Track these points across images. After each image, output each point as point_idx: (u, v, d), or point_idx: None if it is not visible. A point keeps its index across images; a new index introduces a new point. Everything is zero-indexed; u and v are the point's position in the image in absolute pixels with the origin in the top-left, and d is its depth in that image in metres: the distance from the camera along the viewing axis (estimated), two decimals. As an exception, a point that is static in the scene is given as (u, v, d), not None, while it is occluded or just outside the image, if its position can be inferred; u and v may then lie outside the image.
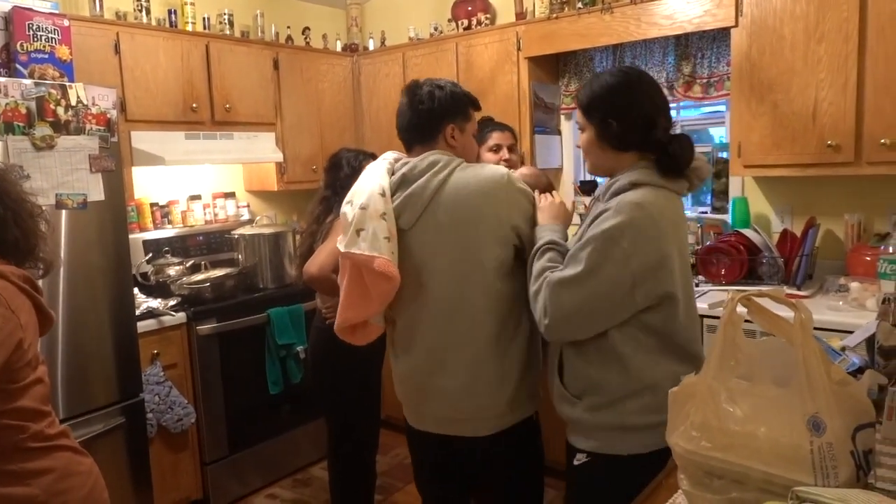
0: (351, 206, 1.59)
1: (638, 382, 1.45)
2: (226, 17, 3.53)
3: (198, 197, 3.59)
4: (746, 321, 1.05)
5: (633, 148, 1.49)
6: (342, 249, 1.56)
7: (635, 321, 1.44)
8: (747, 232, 2.78)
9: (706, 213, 3.18)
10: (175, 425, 2.80)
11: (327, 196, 2.47)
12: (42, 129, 2.27)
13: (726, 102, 3.01)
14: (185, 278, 3.13)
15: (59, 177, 2.33)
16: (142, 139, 3.04)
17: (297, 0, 4.09)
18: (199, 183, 3.65)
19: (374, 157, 2.07)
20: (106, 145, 2.45)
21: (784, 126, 2.58)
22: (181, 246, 3.37)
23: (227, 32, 3.51)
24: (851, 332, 1.52)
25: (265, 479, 3.23)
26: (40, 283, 1.43)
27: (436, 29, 3.82)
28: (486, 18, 3.60)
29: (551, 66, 3.53)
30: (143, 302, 2.87)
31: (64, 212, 2.35)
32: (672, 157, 1.45)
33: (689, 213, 3.23)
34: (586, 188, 3.28)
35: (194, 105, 3.22)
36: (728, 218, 3.04)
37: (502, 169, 1.65)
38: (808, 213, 2.80)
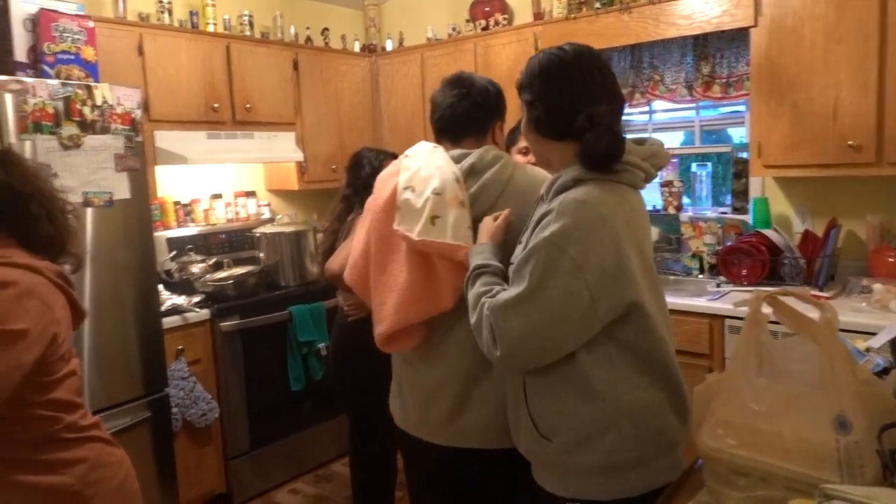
0: (414, 192, 1.50)
1: (616, 411, 1.26)
2: (246, 18, 3.57)
3: (219, 196, 3.64)
4: (771, 322, 1.05)
5: (568, 137, 1.30)
6: (414, 237, 1.45)
7: (604, 338, 1.26)
8: (768, 232, 2.77)
9: (726, 213, 3.17)
10: (199, 420, 2.84)
11: (348, 195, 2.49)
12: (69, 129, 2.31)
13: (746, 102, 3.00)
14: (208, 276, 3.17)
15: (85, 175, 2.37)
16: (165, 139, 3.09)
17: (315, 1, 4.13)
18: (221, 182, 3.69)
19: (395, 156, 2.08)
20: (131, 144, 2.49)
21: (804, 126, 2.57)
22: (204, 244, 3.42)
23: (248, 33, 3.55)
24: (875, 334, 1.51)
25: (287, 475, 3.26)
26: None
27: (454, 30, 3.84)
28: (504, 19, 3.62)
29: (570, 66, 3.52)
30: (168, 298, 2.91)
31: (90, 209, 2.39)
32: (587, 149, 1.26)
33: (708, 213, 3.22)
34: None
35: (216, 105, 3.26)
36: (748, 218, 3.03)
37: None
38: (830, 214, 2.79)
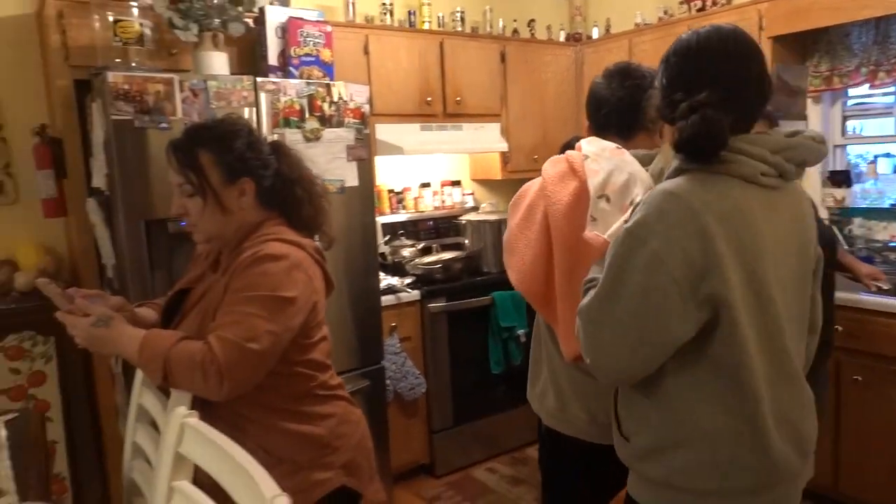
0: (609, 202, 1.40)
1: (690, 427, 1.16)
2: (458, 14, 3.73)
3: (428, 185, 3.86)
4: None
5: (673, 124, 1.20)
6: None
7: (694, 357, 1.15)
8: None
9: None
10: (408, 393, 3.06)
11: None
12: (311, 123, 2.59)
13: None
14: (417, 259, 3.39)
15: (322, 165, 2.62)
16: (383, 131, 3.34)
17: (522, -7, 4.20)
18: (430, 171, 3.91)
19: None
20: (360, 137, 2.73)
21: None
22: (413, 230, 3.66)
23: (459, 29, 3.72)
24: None
25: (485, 453, 3.40)
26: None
27: (665, 13, 3.68)
28: (724, -3, 3.40)
29: (797, 46, 3.23)
30: (383, 279, 3.16)
31: (325, 196, 2.67)
32: (677, 136, 1.15)
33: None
34: (837, 179, 2.97)
35: (429, 99, 3.46)
36: None
37: None
38: None
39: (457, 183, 3.97)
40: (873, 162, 3.28)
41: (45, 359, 2.65)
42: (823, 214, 3.11)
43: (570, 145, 1.91)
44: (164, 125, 2.21)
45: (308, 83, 2.59)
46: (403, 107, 3.40)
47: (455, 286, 3.27)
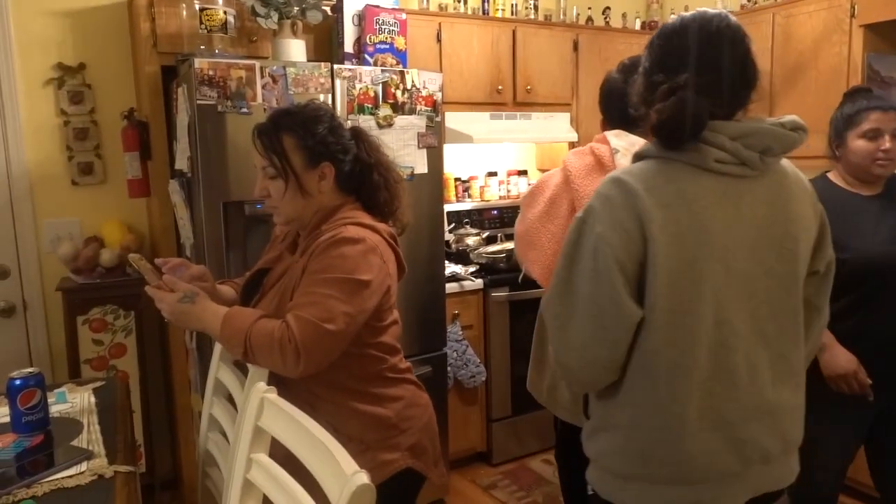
0: None
1: (616, 415, 1.24)
2: (531, 2, 3.69)
3: (494, 174, 3.85)
4: None
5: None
6: None
7: (639, 352, 1.20)
8: None
9: None
10: (468, 381, 3.07)
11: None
12: (384, 110, 2.62)
13: None
14: (481, 248, 3.39)
15: (394, 151, 2.65)
16: (453, 119, 3.34)
17: (597, -20, 4.12)
18: (496, 160, 3.90)
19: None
20: (431, 124, 2.74)
21: None
22: (478, 218, 3.66)
23: (532, 17, 3.68)
24: None
25: (541, 445, 3.39)
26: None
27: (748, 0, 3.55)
28: (813, -16, 3.24)
29: (892, 34, 3.06)
30: (447, 267, 3.18)
31: (395, 182, 2.70)
32: (659, 117, 1.15)
33: None
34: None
35: (499, 87, 3.44)
36: None
37: None
38: None
39: (523, 172, 3.95)
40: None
41: (126, 332, 2.79)
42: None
43: None
44: (244, 110, 2.28)
45: (383, 70, 2.62)
46: (473, 95, 3.40)
47: (517, 276, 3.24)
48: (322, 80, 2.46)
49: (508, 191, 3.88)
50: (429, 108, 2.72)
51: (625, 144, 1.50)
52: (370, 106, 2.58)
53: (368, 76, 2.57)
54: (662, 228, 1.12)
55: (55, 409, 1.64)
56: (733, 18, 1.21)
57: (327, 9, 2.73)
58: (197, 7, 2.41)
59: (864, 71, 2.96)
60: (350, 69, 2.53)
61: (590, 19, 3.88)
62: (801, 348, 1.27)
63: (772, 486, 1.28)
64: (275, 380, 1.43)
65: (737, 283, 1.16)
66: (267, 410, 1.22)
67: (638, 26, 4.06)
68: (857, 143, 1.86)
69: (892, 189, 1.92)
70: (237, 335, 1.40)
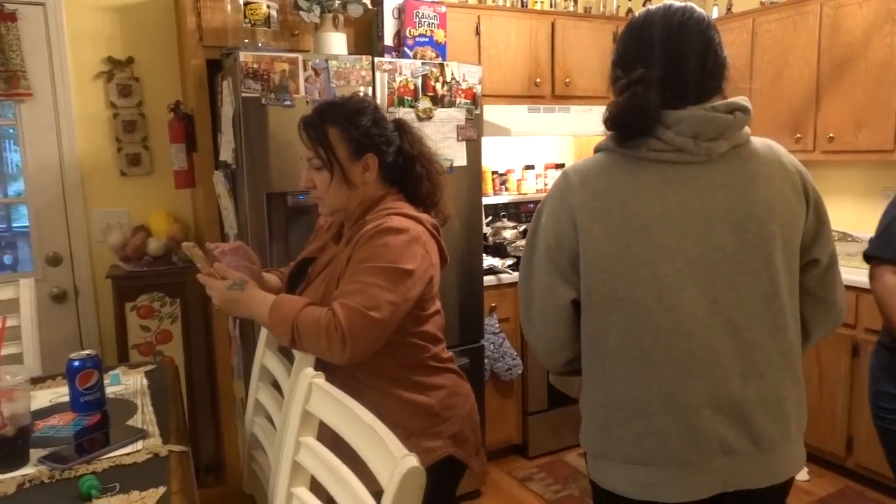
0: None
1: (585, 396, 1.33)
2: (571, -6, 3.67)
3: (531, 167, 3.84)
4: None
5: None
6: None
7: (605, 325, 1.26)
8: None
9: None
10: (505, 374, 3.08)
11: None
12: (424, 103, 2.64)
13: None
14: (518, 241, 3.39)
15: (433, 144, 2.68)
16: (491, 112, 3.34)
17: (637, -29, 4.07)
18: (534, 154, 3.89)
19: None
20: (471, 117, 2.75)
21: None
22: (515, 211, 3.66)
23: (571, 9, 3.65)
24: None
25: (576, 439, 3.35)
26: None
27: (794, -10, 3.47)
28: (862, -27, 3.16)
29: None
30: (484, 259, 3.19)
31: (434, 175, 2.71)
32: (609, 112, 1.20)
33: None
34: None
35: (538, 80, 3.43)
36: None
37: None
38: None
39: (560, 166, 3.93)
40: None
41: (172, 319, 2.87)
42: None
43: None
44: (287, 102, 2.32)
45: (423, 63, 2.64)
46: (511, 88, 3.40)
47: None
48: (363, 73, 2.49)
49: (546, 184, 3.87)
50: (468, 101, 2.73)
51: None
52: (410, 99, 2.60)
53: (408, 69, 2.59)
54: (594, 218, 1.19)
55: (110, 391, 1.70)
56: (699, 10, 1.23)
57: (368, 2, 2.76)
58: (241, 2, 2.45)
59: (916, 62, 2.87)
60: (390, 62, 2.56)
61: (630, 11, 3.84)
62: (782, 339, 1.21)
63: (746, 484, 1.22)
64: (320, 367, 1.46)
65: (689, 269, 1.16)
66: (315, 395, 1.25)
67: (679, 18, 4.00)
68: None
69: None
70: (284, 322, 1.43)
